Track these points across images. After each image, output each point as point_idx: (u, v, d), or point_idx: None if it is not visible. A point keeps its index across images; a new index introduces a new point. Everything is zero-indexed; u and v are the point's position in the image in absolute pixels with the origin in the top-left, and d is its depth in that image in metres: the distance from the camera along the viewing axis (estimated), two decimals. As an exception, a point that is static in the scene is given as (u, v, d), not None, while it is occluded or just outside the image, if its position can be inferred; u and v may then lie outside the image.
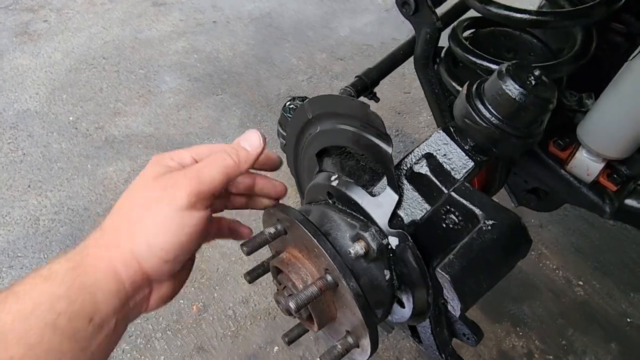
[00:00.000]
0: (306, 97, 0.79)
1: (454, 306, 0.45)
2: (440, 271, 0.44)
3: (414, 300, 0.64)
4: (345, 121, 0.65)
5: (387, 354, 1.32)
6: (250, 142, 0.55)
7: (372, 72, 1.00)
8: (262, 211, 0.66)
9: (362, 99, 1.04)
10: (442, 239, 0.56)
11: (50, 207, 1.67)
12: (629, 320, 1.39)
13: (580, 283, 1.49)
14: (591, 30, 0.77)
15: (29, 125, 1.97)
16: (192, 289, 1.47)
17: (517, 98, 0.51)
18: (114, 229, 0.49)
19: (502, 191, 1.00)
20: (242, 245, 0.64)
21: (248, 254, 0.64)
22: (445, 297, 0.46)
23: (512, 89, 0.51)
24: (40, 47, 2.38)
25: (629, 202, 0.87)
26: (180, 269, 0.53)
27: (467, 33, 0.87)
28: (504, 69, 0.53)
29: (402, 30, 2.37)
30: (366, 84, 0.98)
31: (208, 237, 0.62)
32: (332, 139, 0.70)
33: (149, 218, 0.48)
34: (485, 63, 0.77)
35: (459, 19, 0.83)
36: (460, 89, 0.74)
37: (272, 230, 0.64)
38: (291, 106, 0.81)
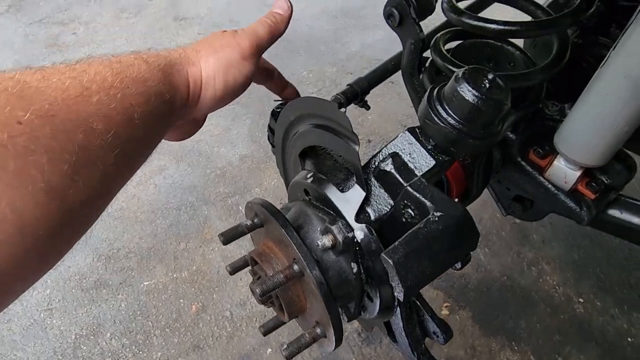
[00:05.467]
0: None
1: (398, 290, 0.48)
2: (384, 256, 0.47)
3: (381, 294, 0.66)
4: (319, 122, 0.69)
5: (378, 361, 1.33)
6: (281, 6, 0.70)
7: (362, 81, 1.04)
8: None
9: (352, 106, 1.08)
10: (402, 233, 0.58)
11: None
12: (629, 340, 1.36)
13: (581, 300, 1.46)
14: (566, 41, 0.79)
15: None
16: (193, 289, 1.51)
17: (471, 100, 0.54)
18: (195, 51, 0.60)
19: (493, 203, 1.02)
20: (219, 235, 0.69)
21: (225, 243, 0.68)
22: (391, 283, 0.49)
23: (466, 91, 0.54)
24: (67, 57, 2.53)
25: (611, 212, 0.87)
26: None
27: (454, 44, 0.91)
28: (460, 73, 0.56)
29: (412, 46, 2.41)
30: (356, 92, 1.02)
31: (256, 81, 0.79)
32: (309, 139, 0.74)
33: (221, 53, 0.60)
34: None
35: (442, 31, 0.87)
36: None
37: (248, 222, 0.69)
38: (278, 110, 0.86)
